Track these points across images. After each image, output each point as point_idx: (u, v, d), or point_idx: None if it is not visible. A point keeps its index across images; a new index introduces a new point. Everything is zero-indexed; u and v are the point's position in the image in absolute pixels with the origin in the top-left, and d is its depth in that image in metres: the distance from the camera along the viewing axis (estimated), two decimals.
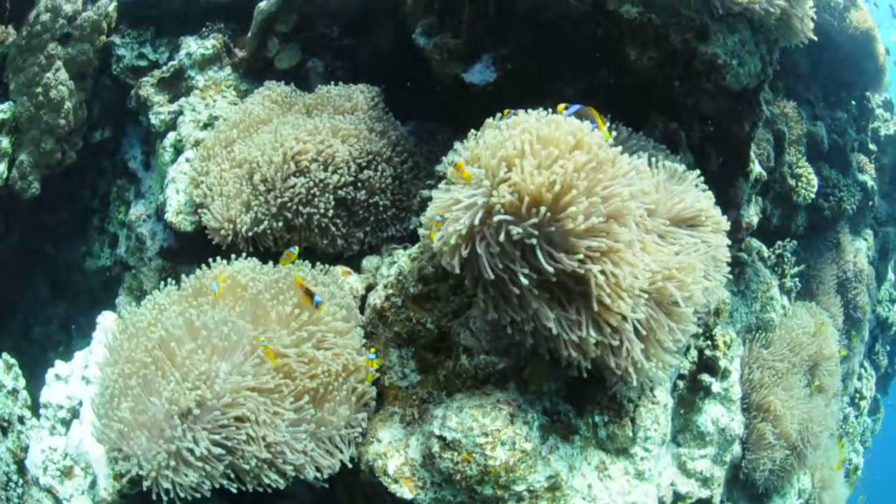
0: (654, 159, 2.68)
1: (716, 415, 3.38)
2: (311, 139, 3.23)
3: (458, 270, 2.20)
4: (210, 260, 2.73)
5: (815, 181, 4.95)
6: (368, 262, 3.12)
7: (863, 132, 6.02)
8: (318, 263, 2.84)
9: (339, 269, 3.02)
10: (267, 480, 2.24)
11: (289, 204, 3.14)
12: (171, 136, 3.98)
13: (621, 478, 2.43)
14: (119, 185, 4.49)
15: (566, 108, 2.42)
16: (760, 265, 4.35)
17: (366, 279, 3.02)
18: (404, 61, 3.65)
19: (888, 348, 7.07)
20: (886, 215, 6.58)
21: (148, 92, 4.18)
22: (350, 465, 2.41)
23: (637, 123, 3.05)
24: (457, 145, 2.60)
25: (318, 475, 2.32)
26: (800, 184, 4.89)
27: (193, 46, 4.20)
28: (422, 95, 3.64)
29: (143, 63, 4.39)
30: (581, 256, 2.09)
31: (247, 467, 2.21)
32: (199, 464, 2.15)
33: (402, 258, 2.75)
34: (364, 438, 2.47)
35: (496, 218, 2.10)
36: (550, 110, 2.40)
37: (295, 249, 2.85)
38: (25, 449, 2.73)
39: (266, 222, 3.14)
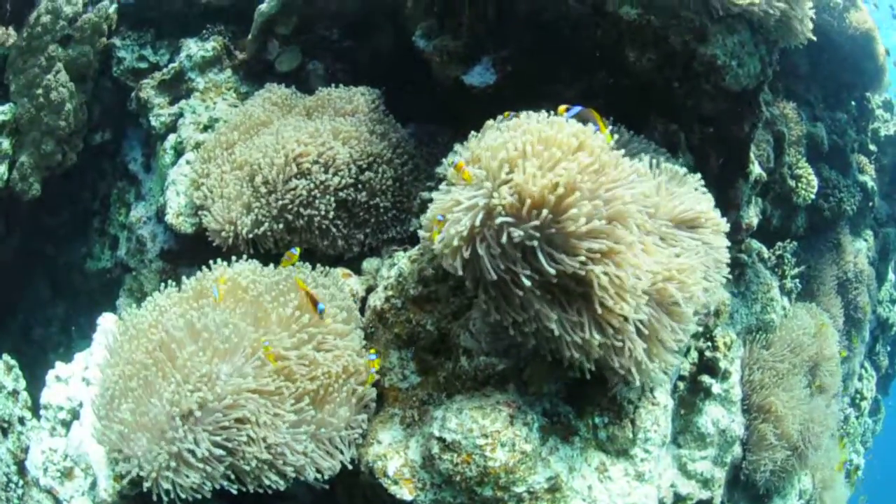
0: (654, 161, 2.68)
1: (716, 416, 3.38)
2: (312, 141, 3.24)
3: (460, 272, 2.20)
4: (210, 262, 2.73)
5: (815, 182, 4.95)
6: (369, 263, 3.13)
7: (863, 133, 6.02)
8: (318, 265, 2.85)
9: (340, 271, 3.03)
10: (267, 482, 2.24)
11: (289, 206, 3.15)
12: (172, 138, 3.99)
13: (621, 479, 2.43)
14: (119, 187, 4.49)
15: (567, 110, 2.42)
16: (761, 266, 4.35)
17: (366, 281, 3.02)
18: (404, 63, 3.65)
19: (889, 349, 7.07)
20: (886, 216, 6.58)
21: (148, 94, 4.19)
22: (350, 467, 2.41)
23: (637, 125, 3.05)
24: (456, 147, 2.61)
25: (319, 476, 2.33)
26: (800, 185, 4.90)
27: (194, 48, 4.21)
28: (422, 97, 3.65)
29: (143, 65, 4.40)
30: (583, 258, 2.09)
31: (247, 468, 2.21)
32: (200, 465, 2.16)
33: (402, 260, 2.76)
34: (364, 440, 2.48)
35: (498, 220, 2.11)
36: (552, 112, 2.40)
37: (296, 251, 2.85)
38: (26, 450, 2.74)
39: (266, 224, 3.14)
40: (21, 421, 2.86)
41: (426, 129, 3.67)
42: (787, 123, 4.72)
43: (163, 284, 2.71)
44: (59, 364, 2.97)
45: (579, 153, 2.18)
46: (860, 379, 6.35)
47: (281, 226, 3.15)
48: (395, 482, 2.34)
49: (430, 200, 2.40)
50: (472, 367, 2.43)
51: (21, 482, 2.66)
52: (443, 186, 2.41)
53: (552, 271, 2.09)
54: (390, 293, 2.68)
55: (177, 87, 4.20)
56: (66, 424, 2.81)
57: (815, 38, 3.15)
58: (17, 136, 4.09)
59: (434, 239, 2.28)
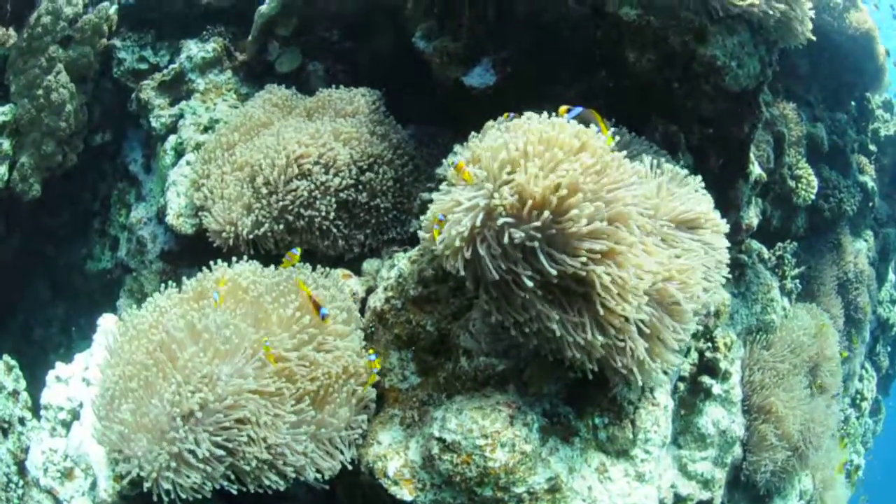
0: (654, 162, 2.68)
1: (716, 417, 3.37)
2: (313, 142, 3.24)
3: (462, 272, 2.20)
4: (211, 262, 2.74)
5: (815, 182, 4.95)
6: (369, 264, 3.13)
7: (863, 133, 6.02)
8: (318, 266, 2.85)
9: (340, 272, 3.03)
10: (267, 482, 2.24)
11: (290, 207, 3.15)
12: (172, 139, 4.00)
13: (621, 480, 2.43)
14: (120, 187, 4.50)
15: (568, 111, 2.42)
16: (761, 267, 4.35)
17: (366, 282, 3.03)
18: (404, 65, 3.66)
19: (889, 349, 7.06)
20: (887, 216, 6.58)
21: (148, 95, 4.19)
22: (350, 467, 2.41)
23: (637, 126, 3.05)
24: (456, 147, 2.61)
25: (319, 476, 2.33)
26: (800, 185, 4.90)
27: (194, 50, 4.22)
28: (422, 99, 3.65)
29: (143, 66, 4.41)
30: (584, 258, 2.10)
31: (247, 468, 2.22)
32: (201, 465, 2.16)
33: (402, 261, 2.76)
34: (364, 440, 2.48)
35: (500, 221, 2.11)
36: (553, 113, 2.40)
37: (297, 251, 2.86)
38: (26, 450, 2.74)
39: (267, 225, 3.15)
40: (21, 421, 2.86)
41: (426, 131, 3.68)
42: (787, 124, 4.72)
43: (163, 285, 2.71)
44: (59, 364, 2.97)
45: (582, 154, 2.18)
46: (860, 379, 6.35)
47: (281, 226, 3.15)
48: (395, 483, 2.34)
49: (430, 201, 2.40)
50: (471, 368, 2.43)
51: (21, 482, 2.66)
52: (443, 187, 2.41)
53: (553, 272, 2.09)
54: (390, 294, 2.68)
55: (177, 89, 4.21)
56: (67, 425, 2.81)
57: (814, 39, 3.15)
58: (18, 137, 4.10)
59: (435, 239, 2.28)
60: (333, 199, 3.19)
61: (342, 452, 2.39)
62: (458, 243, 2.17)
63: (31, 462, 2.66)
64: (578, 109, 2.43)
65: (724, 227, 2.63)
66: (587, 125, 2.30)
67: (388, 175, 3.32)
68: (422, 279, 2.62)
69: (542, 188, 2.09)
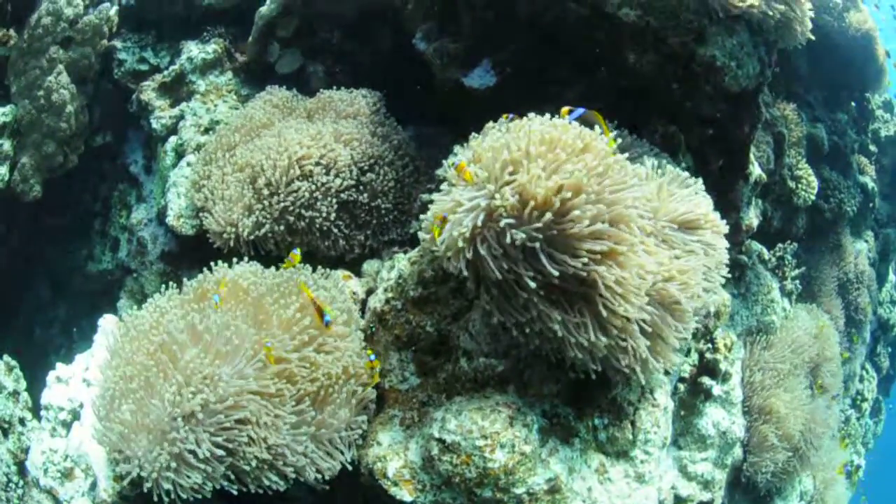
0: (654, 164, 2.69)
1: (717, 418, 3.37)
2: (315, 144, 3.25)
3: (465, 273, 2.21)
4: (211, 263, 2.74)
5: (815, 183, 4.95)
6: (369, 265, 3.13)
7: (863, 133, 6.03)
8: (319, 267, 2.85)
9: (340, 273, 3.03)
10: (267, 482, 2.24)
11: (291, 208, 3.15)
12: (173, 140, 4.00)
13: (621, 480, 2.43)
14: (120, 189, 4.50)
15: (570, 112, 2.42)
16: (761, 268, 4.36)
17: (366, 283, 3.03)
18: (405, 66, 3.66)
19: (889, 350, 7.06)
20: (887, 216, 6.59)
21: (149, 96, 4.20)
22: (350, 468, 2.41)
23: (636, 126, 3.05)
24: (457, 149, 2.61)
25: (319, 476, 2.33)
26: (800, 186, 4.90)
27: (195, 51, 4.22)
28: (422, 100, 3.65)
29: (144, 67, 4.41)
30: (585, 259, 2.10)
31: (247, 468, 2.22)
32: (201, 465, 2.16)
33: (402, 262, 2.76)
34: (364, 441, 2.48)
35: (502, 222, 2.11)
36: (554, 114, 2.40)
37: (297, 251, 2.86)
38: (26, 450, 2.74)
39: (268, 226, 3.15)
40: (21, 422, 2.86)
41: (426, 132, 3.68)
42: (787, 124, 4.72)
43: (164, 286, 2.71)
44: (59, 365, 2.97)
45: (585, 155, 2.18)
46: (861, 380, 6.34)
47: (282, 227, 3.16)
48: (395, 483, 2.34)
49: (431, 202, 2.40)
50: (471, 369, 2.43)
51: (21, 482, 2.67)
52: (444, 187, 2.41)
53: (555, 272, 2.09)
54: (390, 295, 2.68)
55: (177, 90, 4.21)
56: (67, 425, 2.81)
57: (814, 39, 3.16)
58: (18, 138, 4.10)
59: (436, 239, 2.28)
60: (334, 200, 3.20)
61: (342, 453, 2.39)
62: (460, 244, 2.17)
63: (32, 462, 2.66)
64: (581, 111, 2.43)
65: (724, 228, 2.64)
66: (589, 127, 2.30)
67: (388, 176, 3.32)
68: (422, 280, 2.62)
69: (544, 189, 2.10)
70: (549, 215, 2.07)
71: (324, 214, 3.18)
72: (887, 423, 7.32)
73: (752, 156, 3.63)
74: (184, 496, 2.16)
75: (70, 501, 2.56)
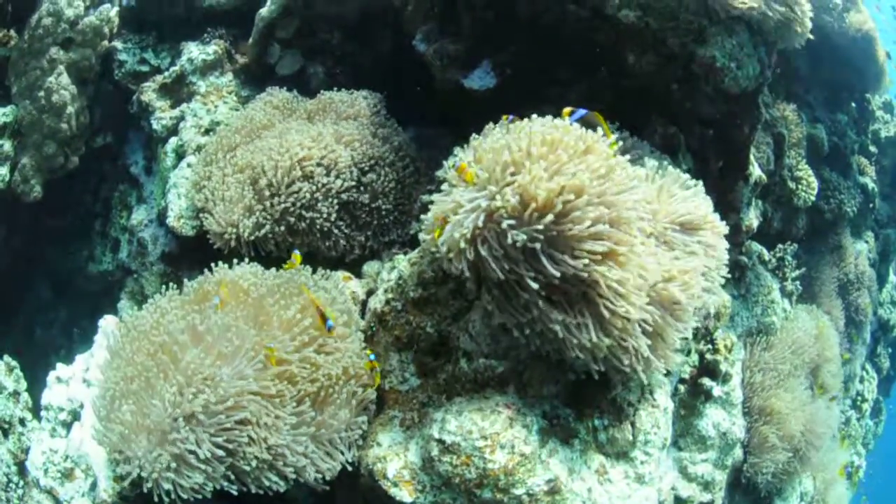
0: (655, 165, 2.69)
1: (717, 419, 3.37)
2: (315, 145, 3.25)
3: (467, 273, 2.21)
4: (211, 264, 2.74)
5: (815, 184, 4.95)
6: (369, 267, 3.14)
7: (863, 134, 6.03)
8: (319, 268, 2.85)
9: (340, 274, 3.04)
10: (267, 482, 2.24)
11: (291, 209, 3.16)
12: (173, 141, 4.00)
13: (621, 481, 2.43)
14: (121, 189, 4.51)
15: (571, 113, 2.42)
16: (761, 268, 4.36)
17: (366, 284, 3.03)
18: (405, 67, 3.66)
19: (890, 351, 7.06)
20: (887, 217, 6.58)
21: (150, 97, 4.20)
22: (350, 469, 2.42)
23: (636, 127, 3.06)
24: (457, 150, 2.61)
25: (318, 476, 2.33)
26: (800, 186, 4.90)
27: (195, 52, 4.23)
28: (422, 101, 3.66)
29: (144, 68, 4.42)
30: (586, 260, 2.10)
31: (247, 469, 2.22)
32: (202, 465, 2.16)
33: (403, 263, 2.76)
34: (364, 442, 2.48)
35: (504, 224, 2.11)
36: (557, 116, 2.40)
37: (297, 253, 2.87)
38: (26, 451, 2.75)
39: (268, 226, 3.15)
40: (22, 422, 2.87)
41: (426, 133, 3.68)
42: (787, 125, 4.73)
43: (164, 287, 2.71)
44: (60, 365, 2.98)
45: (587, 156, 2.19)
46: (861, 381, 6.34)
47: (282, 228, 3.16)
48: (395, 484, 2.35)
49: (431, 203, 2.40)
50: (471, 370, 2.43)
51: (21, 483, 2.67)
52: (445, 187, 2.41)
53: (557, 273, 2.09)
54: (390, 296, 2.68)
55: (178, 91, 4.21)
56: (67, 425, 2.81)
57: (813, 38, 3.16)
58: (19, 138, 4.11)
59: (438, 235, 2.28)
60: (335, 201, 3.20)
61: (342, 453, 2.39)
62: (462, 245, 2.17)
63: (32, 462, 2.67)
64: (582, 112, 2.44)
65: (724, 229, 2.64)
66: (591, 128, 2.31)
67: (389, 177, 3.33)
68: (422, 281, 2.62)
69: (545, 191, 2.10)
70: (550, 217, 2.07)
71: (324, 215, 3.18)
72: (888, 423, 7.31)
73: (752, 157, 3.63)
74: (184, 496, 2.16)
75: (70, 502, 2.56)
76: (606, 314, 2.13)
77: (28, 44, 4.01)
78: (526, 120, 2.37)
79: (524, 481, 2.22)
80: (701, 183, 2.70)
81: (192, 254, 3.59)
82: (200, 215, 3.35)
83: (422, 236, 2.53)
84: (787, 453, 3.97)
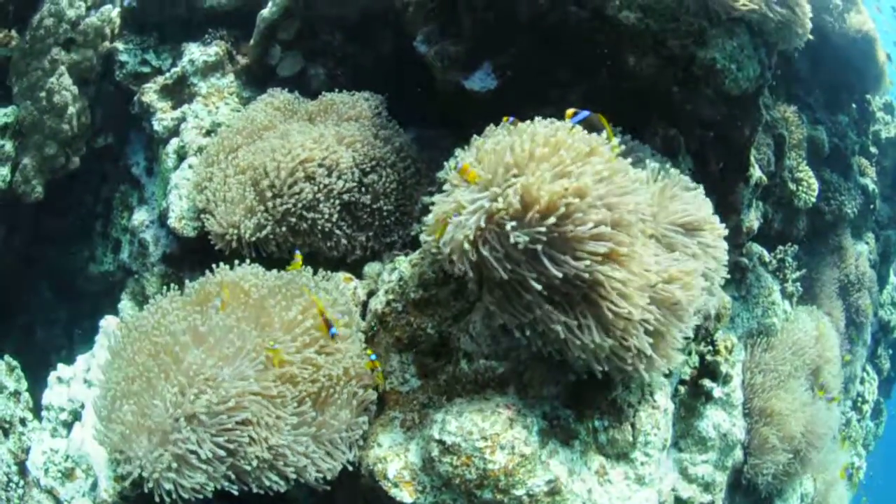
0: (655, 167, 2.69)
1: (717, 420, 3.37)
2: (317, 146, 3.26)
3: (470, 273, 2.21)
4: (213, 265, 2.75)
5: (815, 185, 4.95)
6: (370, 268, 3.14)
7: (863, 135, 6.02)
8: (320, 269, 2.86)
9: (341, 275, 3.04)
10: (268, 482, 2.25)
11: (293, 209, 3.16)
12: (174, 142, 4.01)
13: (621, 482, 2.43)
14: (122, 190, 4.51)
15: (574, 115, 2.42)
16: (762, 270, 4.36)
17: (367, 285, 3.03)
18: (406, 68, 3.67)
19: (890, 352, 7.06)
20: (888, 218, 6.58)
21: (151, 98, 4.21)
22: (351, 469, 2.42)
23: (637, 129, 3.06)
24: (458, 152, 2.61)
25: (319, 476, 2.33)
26: (801, 188, 4.90)
27: (196, 53, 4.23)
28: (423, 102, 3.66)
29: (145, 69, 4.42)
30: (588, 262, 2.11)
31: (248, 468, 2.22)
32: (203, 465, 2.17)
33: (403, 264, 2.77)
34: (365, 443, 2.48)
35: (507, 225, 2.11)
36: (556, 118, 2.40)
37: (298, 255, 2.87)
38: (27, 450, 2.75)
39: (269, 227, 3.16)
40: (22, 422, 2.87)
41: (427, 135, 3.69)
42: (787, 126, 4.73)
43: (165, 288, 2.72)
44: (60, 366, 2.99)
45: (591, 158, 2.19)
46: (862, 382, 6.34)
47: (284, 229, 3.16)
48: (396, 485, 2.35)
49: (432, 204, 2.41)
50: (472, 371, 2.43)
51: (22, 482, 2.67)
52: (447, 187, 2.41)
53: (559, 274, 2.10)
54: (391, 297, 2.69)
55: (179, 92, 4.22)
56: (68, 425, 2.82)
57: (813, 39, 3.16)
58: (20, 139, 4.11)
59: (439, 238, 2.28)
60: (337, 202, 3.20)
61: (343, 453, 2.40)
62: (466, 246, 2.17)
63: (32, 462, 2.67)
64: (585, 113, 2.44)
65: (724, 230, 2.65)
66: (594, 129, 2.31)
67: (390, 178, 3.33)
68: (422, 282, 2.63)
69: (549, 193, 2.10)
70: (552, 219, 2.08)
71: (326, 216, 3.19)
72: (888, 425, 7.31)
73: (752, 158, 3.63)
74: (185, 496, 2.16)
75: (71, 501, 2.56)
76: (609, 315, 2.13)
77: (29, 44, 4.02)
78: (528, 121, 2.38)
79: (524, 482, 2.22)
80: (702, 187, 2.71)
81: (194, 255, 3.60)
82: (202, 216, 3.36)
83: (423, 237, 2.53)
84: (788, 454, 3.97)
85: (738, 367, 3.62)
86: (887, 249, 6.51)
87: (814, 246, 5.43)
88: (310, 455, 2.32)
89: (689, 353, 3.37)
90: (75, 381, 2.92)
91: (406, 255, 2.95)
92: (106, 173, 4.67)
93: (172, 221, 3.62)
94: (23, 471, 2.70)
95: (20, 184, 4.11)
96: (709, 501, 3.32)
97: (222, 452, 2.18)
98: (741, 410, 3.59)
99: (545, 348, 2.25)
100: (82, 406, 2.82)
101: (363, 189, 3.29)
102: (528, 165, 2.18)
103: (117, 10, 4.36)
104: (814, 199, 4.96)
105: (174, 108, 4.17)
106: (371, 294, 2.94)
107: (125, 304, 3.91)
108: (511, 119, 2.48)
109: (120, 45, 4.44)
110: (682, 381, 3.38)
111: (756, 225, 3.95)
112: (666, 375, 2.70)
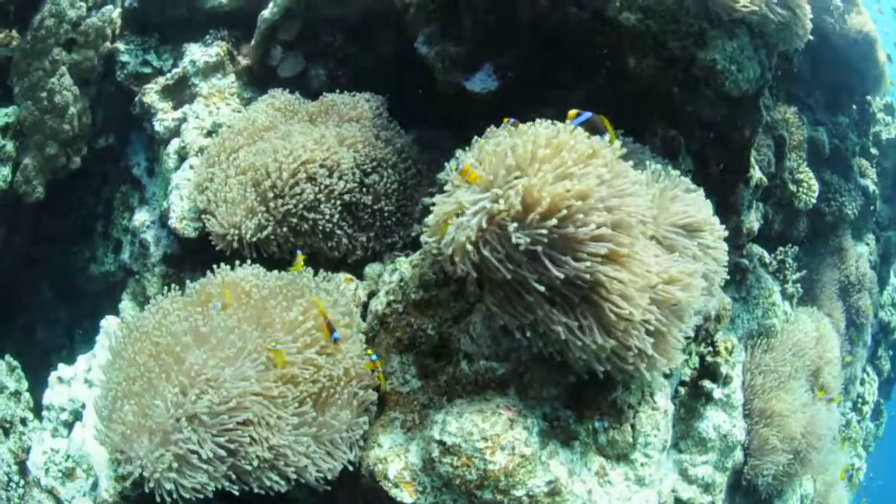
0: (656, 169, 2.70)
1: (717, 421, 3.38)
2: (318, 147, 3.26)
3: (473, 274, 2.21)
4: (214, 266, 2.75)
5: (816, 186, 4.95)
6: (371, 269, 3.14)
7: (864, 136, 6.03)
8: (321, 270, 2.86)
9: (342, 276, 3.05)
10: (269, 482, 2.25)
11: (294, 210, 3.17)
12: (175, 142, 4.01)
13: (621, 483, 2.43)
14: (123, 191, 4.52)
15: (577, 116, 2.42)
16: (762, 271, 4.36)
17: (368, 286, 3.04)
18: (407, 69, 3.67)
19: (890, 353, 7.06)
20: (888, 219, 6.59)
21: (152, 99, 4.21)
22: (351, 469, 2.42)
23: (637, 130, 3.06)
24: (458, 153, 2.62)
25: (319, 476, 2.34)
26: (801, 189, 4.90)
27: (197, 54, 4.24)
28: (424, 103, 3.66)
29: (146, 70, 4.43)
30: (589, 263, 2.11)
31: (249, 468, 2.23)
32: (203, 465, 2.17)
33: (404, 265, 2.77)
34: (365, 443, 2.49)
35: (510, 226, 2.12)
36: (557, 119, 2.40)
37: (300, 255, 2.88)
38: (27, 450, 2.76)
39: (270, 228, 3.16)
40: (23, 422, 2.88)
41: (428, 136, 3.69)
42: (787, 128, 4.73)
43: (166, 288, 2.72)
44: (61, 366, 2.99)
45: (593, 160, 2.20)
46: (862, 383, 6.34)
47: (285, 229, 3.17)
48: (396, 485, 2.35)
49: (433, 205, 2.41)
50: (472, 372, 2.44)
51: (22, 482, 2.68)
52: (448, 188, 2.42)
53: (560, 275, 2.10)
54: (392, 298, 2.69)
55: (180, 92, 4.22)
56: (68, 425, 2.82)
57: (813, 40, 3.17)
58: (21, 139, 4.12)
59: (440, 239, 2.29)
60: (338, 202, 3.21)
61: (344, 453, 2.40)
62: (468, 247, 2.18)
63: (33, 462, 2.68)
64: (587, 115, 2.44)
65: (724, 231, 2.65)
66: (596, 131, 2.31)
67: (391, 179, 3.34)
68: (423, 283, 2.63)
69: (550, 194, 2.10)
70: (554, 220, 2.08)
71: (327, 216, 3.19)
72: (888, 426, 7.31)
73: (752, 159, 3.64)
74: (185, 496, 2.16)
75: (71, 501, 2.57)
76: (610, 316, 2.14)
77: (30, 44, 4.02)
78: (529, 123, 2.38)
79: (524, 483, 2.23)
80: (702, 190, 2.71)
81: (194, 255, 3.60)
82: (202, 217, 3.36)
83: (424, 238, 2.53)
84: (788, 455, 3.97)
85: (738, 368, 3.62)
86: (888, 251, 6.52)
87: (814, 247, 5.44)
88: (310, 455, 2.32)
89: (690, 355, 3.37)
90: (76, 381, 2.92)
91: (407, 255, 2.95)
92: (107, 174, 4.68)
93: (173, 222, 3.62)
94: (23, 470, 2.71)
95: (21, 184, 4.11)
96: (709, 502, 3.32)
97: (223, 452, 2.19)
98: (741, 411, 3.59)
99: (546, 349, 2.25)
100: (83, 406, 2.83)
101: (364, 190, 3.29)
102: (530, 167, 2.18)
103: (118, 10, 4.37)
104: (814, 201, 4.97)
105: (175, 108, 4.18)
106: (372, 295, 2.94)
107: (126, 305, 3.91)
108: (512, 120, 2.49)
109: (121, 46, 4.44)
110: (682, 383, 3.38)
111: (756, 226, 3.95)
112: (666, 376, 2.70)
